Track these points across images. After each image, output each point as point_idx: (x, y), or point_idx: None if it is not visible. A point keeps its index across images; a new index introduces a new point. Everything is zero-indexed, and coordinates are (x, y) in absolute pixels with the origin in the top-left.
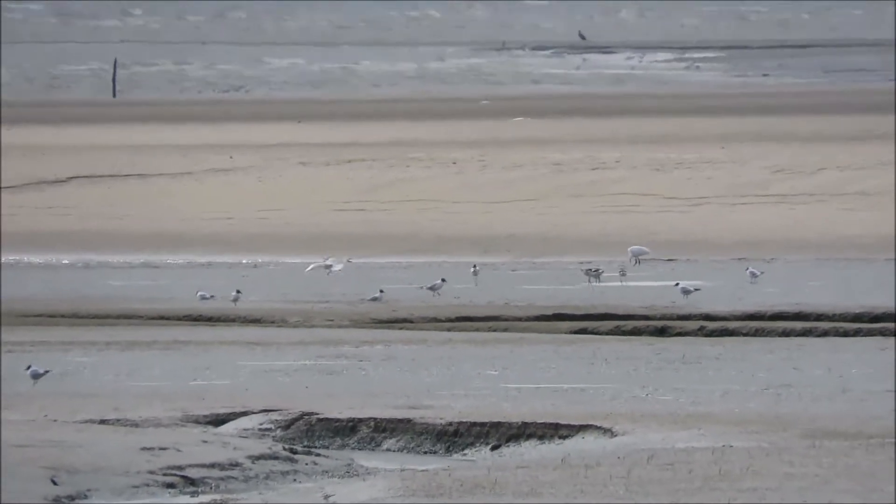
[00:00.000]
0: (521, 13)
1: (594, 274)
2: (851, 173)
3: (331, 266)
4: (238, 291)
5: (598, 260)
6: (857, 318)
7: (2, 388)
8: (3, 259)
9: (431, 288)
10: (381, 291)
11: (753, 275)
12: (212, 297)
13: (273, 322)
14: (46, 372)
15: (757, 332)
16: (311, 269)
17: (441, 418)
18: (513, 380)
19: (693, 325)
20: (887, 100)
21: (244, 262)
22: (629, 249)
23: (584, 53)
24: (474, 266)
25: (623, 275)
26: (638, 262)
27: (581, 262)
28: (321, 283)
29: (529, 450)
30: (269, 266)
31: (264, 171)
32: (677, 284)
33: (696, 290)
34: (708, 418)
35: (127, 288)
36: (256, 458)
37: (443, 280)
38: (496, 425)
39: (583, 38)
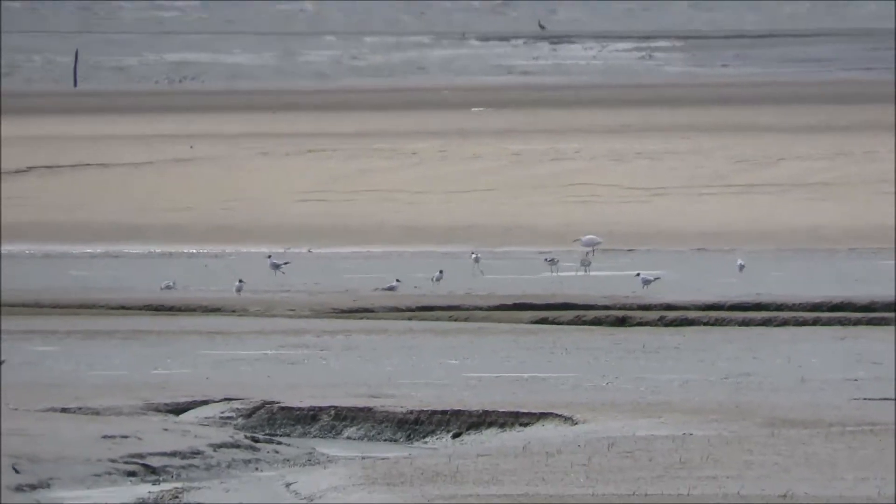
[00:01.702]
0: (480, 3)
1: (552, 263)
2: (812, 164)
3: (278, 264)
4: (241, 281)
5: (559, 250)
6: (815, 307)
7: None
8: None
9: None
10: (398, 281)
11: (742, 267)
12: (174, 284)
13: (234, 311)
14: (3, 361)
15: (717, 322)
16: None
17: (402, 407)
18: (474, 369)
19: (653, 314)
20: (847, 90)
21: (205, 251)
22: (582, 239)
23: (543, 43)
24: (474, 253)
25: (588, 265)
26: (592, 252)
27: (541, 252)
28: (283, 274)
29: (490, 438)
30: (230, 256)
31: (225, 162)
32: (638, 275)
33: (656, 279)
34: (668, 407)
35: (88, 278)
36: (218, 447)
37: (441, 272)
38: (457, 414)
39: (542, 27)
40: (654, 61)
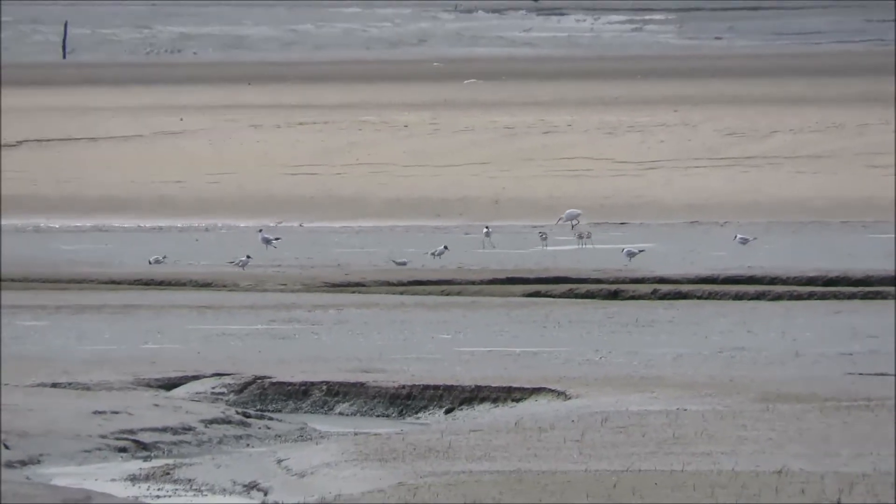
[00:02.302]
0: None
1: (543, 238)
2: (803, 136)
3: (269, 239)
4: (248, 256)
5: (551, 224)
6: (810, 281)
7: None
8: None
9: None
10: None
11: (744, 240)
12: (164, 259)
13: (225, 286)
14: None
15: (710, 296)
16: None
17: (394, 382)
18: (466, 343)
19: (646, 288)
20: (838, 62)
21: (195, 225)
22: (565, 213)
23: (536, 15)
24: (486, 228)
25: (587, 237)
26: (573, 225)
27: (535, 227)
28: (274, 248)
29: (483, 413)
30: (221, 230)
31: (215, 134)
32: (623, 250)
33: (641, 251)
34: (661, 382)
35: (77, 252)
36: (209, 423)
37: (445, 247)
38: (449, 389)
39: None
40: (647, 33)
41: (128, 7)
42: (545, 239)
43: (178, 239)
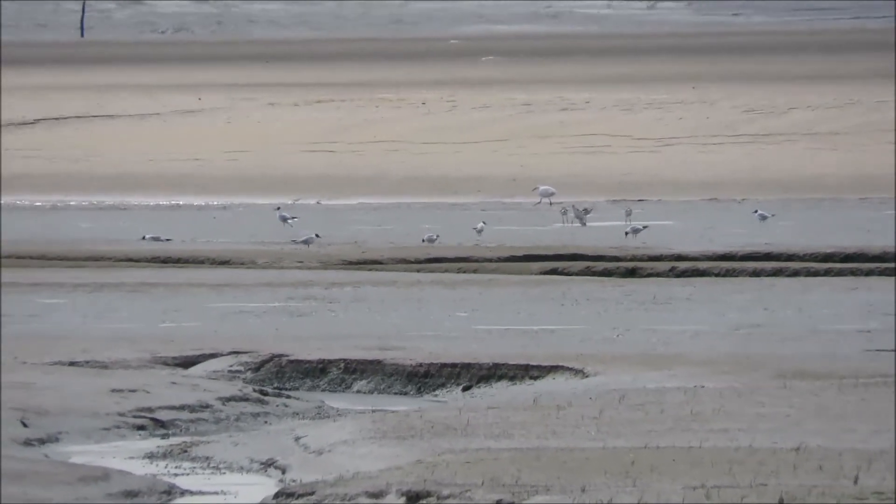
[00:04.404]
0: None
1: (565, 213)
2: (821, 113)
3: (286, 217)
4: (317, 235)
5: (568, 201)
6: (827, 258)
7: None
8: None
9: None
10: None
11: (762, 217)
12: (167, 239)
13: (242, 264)
14: None
15: (727, 273)
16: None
17: (411, 360)
18: (483, 321)
19: (664, 265)
20: (855, 39)
21: (214, 203)
22: (539, 188)
23: None
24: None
25: (582, 218)
26: (551, 203)
27: (552, 203)
28: (290, 227)
29: (500, 391)
30: (238, 208)
31: (232, 113)
32: (626, 233)
33: (645, 227)
34: (679, 359)
35: (95, 229)
36: (227, 400)
37: (484, 223)
38: (467, 366)
39: None
40: (664, 11)
41: None
42: (566, 214)
43: (196, 216)
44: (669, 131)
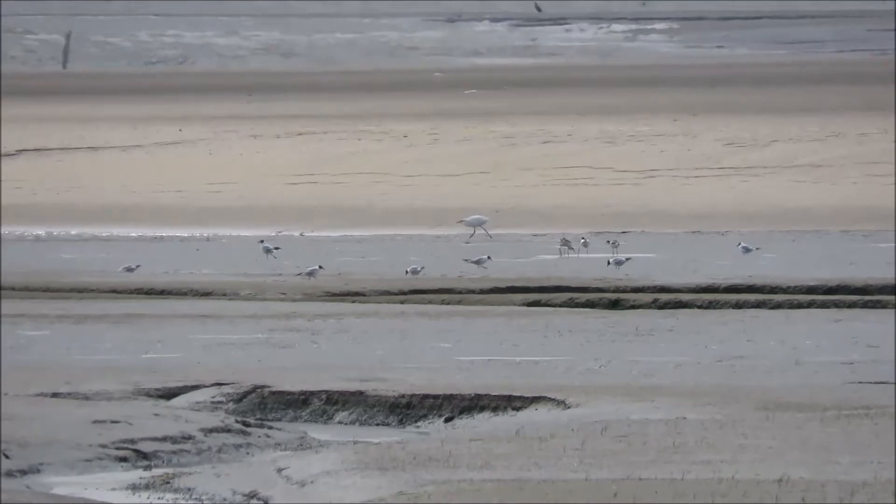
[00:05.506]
0: None
1: (565, 244)
2: (804, 145)
3: (270, 248)
4: (320, 266)
5: (551, 233)
6: (810, 290)
7: None
8: None
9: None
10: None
11: (746, 249)
12: (137, 267)
13: (225, 295)
14: None
15: (710, 305)
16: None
17: (394, 391)
18: (466, 352)
19: (647, 297)
20: (838, 71)
21: (197, 235)
22: (465, 220)
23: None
24: (583, 238)
25: (568, 250)
26: (484, 232)
27: (535, 235)
28: (274, 258)
29: (483, 422)
30: (221, 239)
31: (215, 144)
32: (608, 262)
33: (627, 259)
34: (662, 390)
35: (78, 261)
36: (209, 432)
37: (488, 257)
38: (449, 398)
39: (539, 10)
40: (649, 42)
41: (125, 18)
42: (567, 245)
43: (180, 248)
44: (652, 163)
